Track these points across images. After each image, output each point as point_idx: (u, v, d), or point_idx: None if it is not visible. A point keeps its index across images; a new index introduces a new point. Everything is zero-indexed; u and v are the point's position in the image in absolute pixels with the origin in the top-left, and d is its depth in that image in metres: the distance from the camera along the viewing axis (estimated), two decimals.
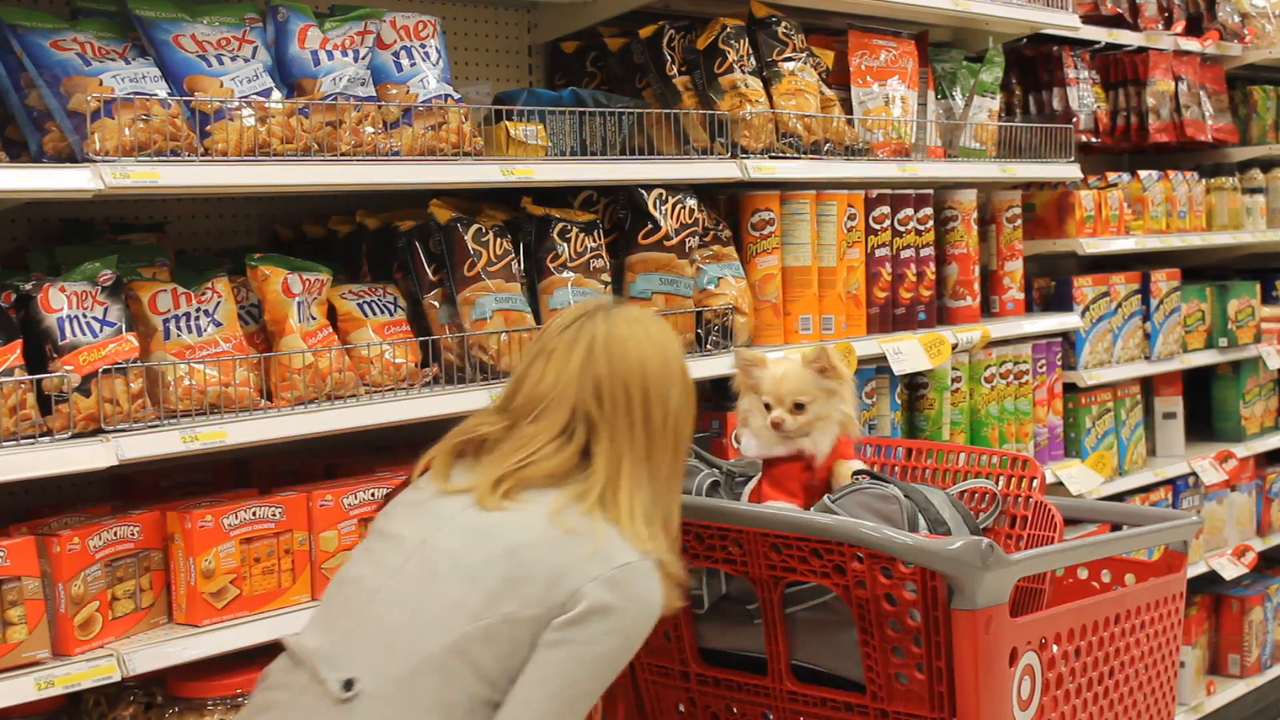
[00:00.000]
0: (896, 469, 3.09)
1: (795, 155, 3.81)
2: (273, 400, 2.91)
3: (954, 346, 4.25)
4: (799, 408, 2.80)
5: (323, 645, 2.32)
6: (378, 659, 2.26)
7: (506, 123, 3.31)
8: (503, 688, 2.25)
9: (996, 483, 3.00)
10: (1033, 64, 5.25)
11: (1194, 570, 5.32)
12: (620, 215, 3.62)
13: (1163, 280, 5.35)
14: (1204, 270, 6.01)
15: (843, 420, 2.83)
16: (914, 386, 4.37)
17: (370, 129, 2.98)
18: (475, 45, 3.85)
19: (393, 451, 3.45)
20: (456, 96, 3.18)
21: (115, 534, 2.73)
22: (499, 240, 3.28)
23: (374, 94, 3.07)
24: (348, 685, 2.24)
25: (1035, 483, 2.97)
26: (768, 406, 2.82)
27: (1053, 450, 4.83)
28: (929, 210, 4.32)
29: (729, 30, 3.78)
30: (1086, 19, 5.05)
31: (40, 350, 2.64)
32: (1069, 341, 4.95)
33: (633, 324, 2.46)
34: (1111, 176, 5.29)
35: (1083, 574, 3.10)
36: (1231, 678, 5.82)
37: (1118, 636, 2.78)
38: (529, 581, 2.26)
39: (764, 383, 2.83)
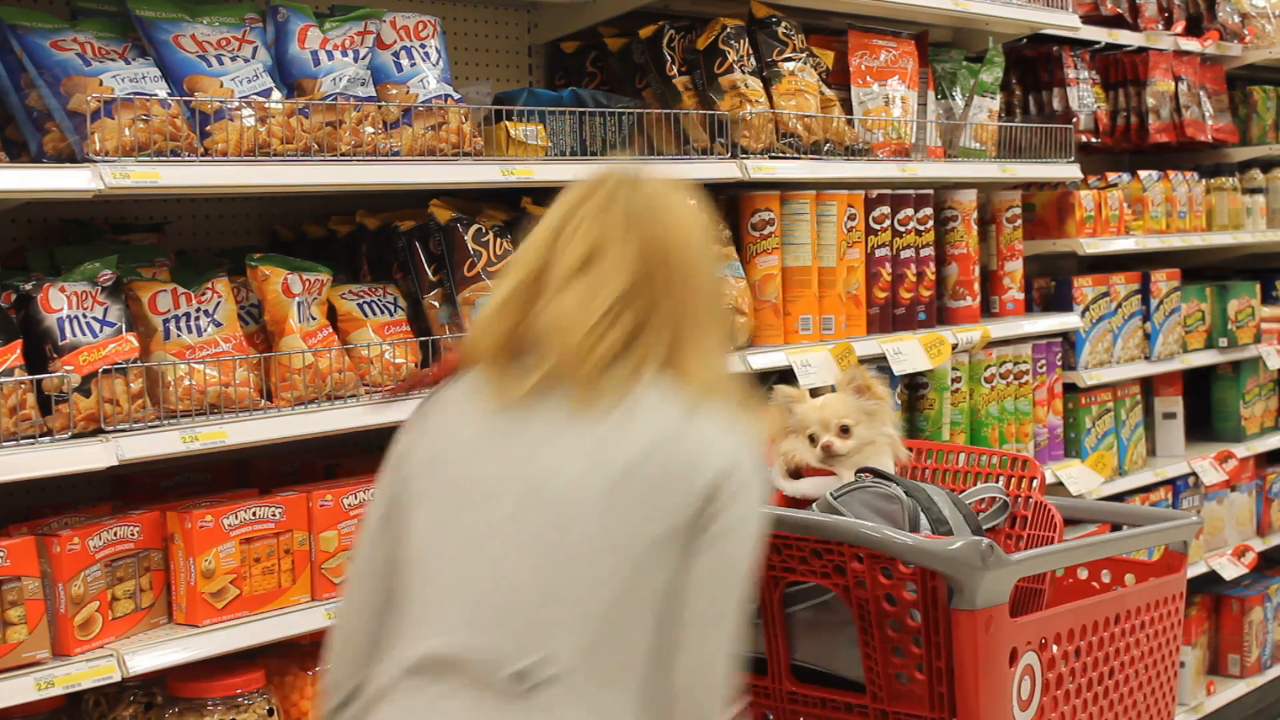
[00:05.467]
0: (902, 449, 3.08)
1: (795, 155, 3.81)
2: (273, 400, 2.91)
3: (954, 346, 4.25)
4: (845, 430, 2.80)
5: (462, 642, 1.95)
6: (555, 632, 1.93)
7: (506, 123, 3.31)
8: (666, 615, 1.97)
9: (997, 481, 3.00)
10: (1033, 64, 5.25)
11: (1194, 570, 5.32)
12: None
13: (1163, 280, 5.35)
14: (1204, 270, 6.01)
15: (890, 443, 2.84)
16: (914, 386, 4.37)
17: (370, 129, 2.98)
18: (475, 45, 3.85)
19: None
20: (456, 96, 3.17)
21: (115, 534, 2.73)
22: (499, 240, 3.28)
23: (374, 94, 3.07)
24: (524, 675, 1.91)
25: (1035, 483, 2.97)
26: (812, 439, 2.81)
27: (1053, 450, 4.83)
28: (929, 210, 4.32)
29: (729, 30, 3.78)
30: (1086, 19, 5.05)
31: (40, 350, 2.64)
32: (1069, 342, 4.95)
33: (668, 190, 2.17)
34: (1111, 177, 5.29)
35: (1083, 574, 3.10)
36: (1231, 678, 5.82)
37: (1118, 637, 2.78)
38: (664, 490, 1.97)
39: (806, 416, 2.82)
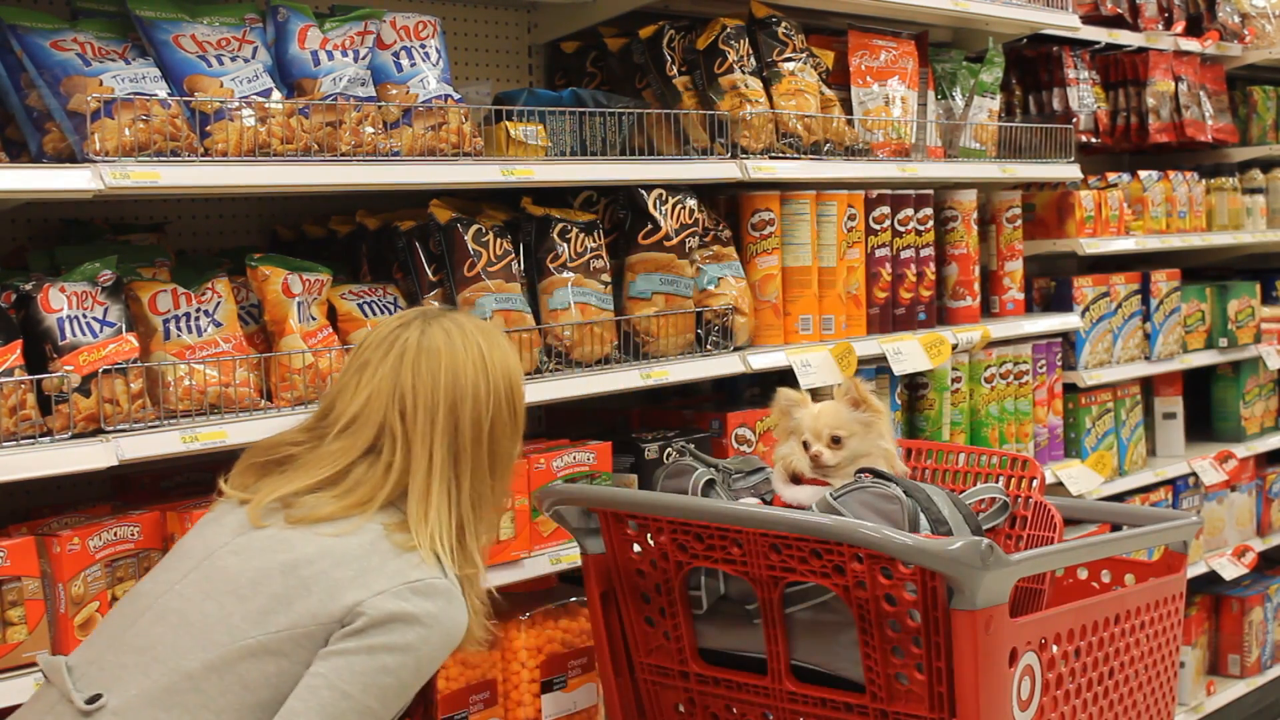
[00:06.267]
0: (901, 464, 3.09)
1: (795, 155, 3.81)
2: (273, 400, 2.91)
3: (954, 347, 4.25)
4: (836, 441, 2.80)
5: (77, 662, 2.23)
6: (132, 676, 2.15)
7: (506, 123, 3.31)
8: (275, 710, 2.11)
9: (997, 481, 3.00)
10: (1033, 64, 5.25)
11: (1194, 570, 5.32)
12: (620, 215, 3.62)
13: (1163, 280, 5.35)
14: (1204, 270, 6.01)
15: (885, 456, 2.83)
16: (914, 387, 4.37)
17: (370, 129, 2.98)
18: (475, 45, 3.85)
19: None
20: (456, 97, 3.17)
21: (115, 534, 2.73)
22: (499, 240, 3.28)
23: (374, 94, 3.07)
24: (93, 699, 2.14)
25: (1035, 483, 2.97)
26: (806, 445, 2.81)
27: (1053, 450, 4.83)
28: (929, 210, 4.32)
29: (729, 30, 3.78)
30: (1086, 19, 5.05)
31: (40, 350, 2.64)
32: (1069, 342, 4.95)
33: (449, 332, 2.34)
34: (1111, 177, 5.29)
35: (1083, 574, 3.10)
36: (1231, 678, 5.82)
37: (1117, 637, 2.78)
38: (304, 597, 2.15)
39: (802, 423, 2.83)
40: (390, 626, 2.13)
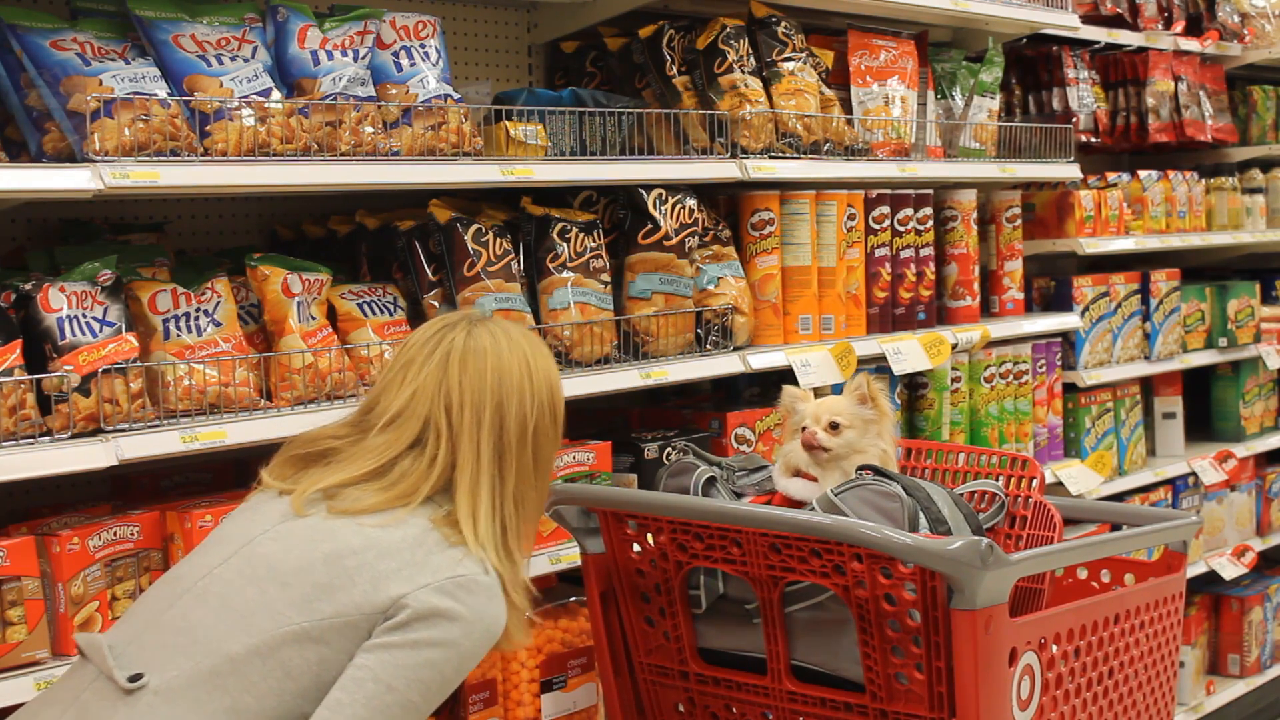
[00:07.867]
0: (896, 469, 3.09)
1: (795, 155, 3.81)
2: (272, 400, 2.92)
3: (954, 346, 4.26)
4: (834, 428, 2.79)
5: (116, 641, 2.23)
6: (173, 657, 2.17)
7: (506, 123, 3.31)
8: (315, 698, 2.14)
9: (997, 480, 3.00)
10: (1033, 64, 5.25)
11: (1194, 570, 5.32)
12: (620, 215, 3.62)
13: (1162, 280, 5.35)
14: (1204, 270, 6.01)
15: (881, 456, 2.82)
16: (914, 386, 4.37)
17: (370, 129, 2.98)
18: (475, 45, 3.85)
19: None
20: (456, 96, 3.18)
21: (115, 534, 2.73)
22: (499, 240, 3.29)
23: (374, 94, 3.07)
24: (135, 678, 2.15)
25: (1034, 483, 2.97)
26: (804, 430, 2.80)
27: (1052, 450, 4.83)
28: (929, 210, 4.32)
29: (729, 30, 3.78)
30: (1086, 19, 5.06)
31: (40, 350, 2.64)
32: (1069, 341, 4.95)
33: (495, 336, 2.38)
34: (1111, 176, 5.29)
35: (1082, 574, 3.10)
36: (1231, 678, 5.82)
37: (1117, 636, 2.78)
38: (348, 587, 2.17)
39: (804, 412, 2.83)
40: (433, 621, 2.17)
